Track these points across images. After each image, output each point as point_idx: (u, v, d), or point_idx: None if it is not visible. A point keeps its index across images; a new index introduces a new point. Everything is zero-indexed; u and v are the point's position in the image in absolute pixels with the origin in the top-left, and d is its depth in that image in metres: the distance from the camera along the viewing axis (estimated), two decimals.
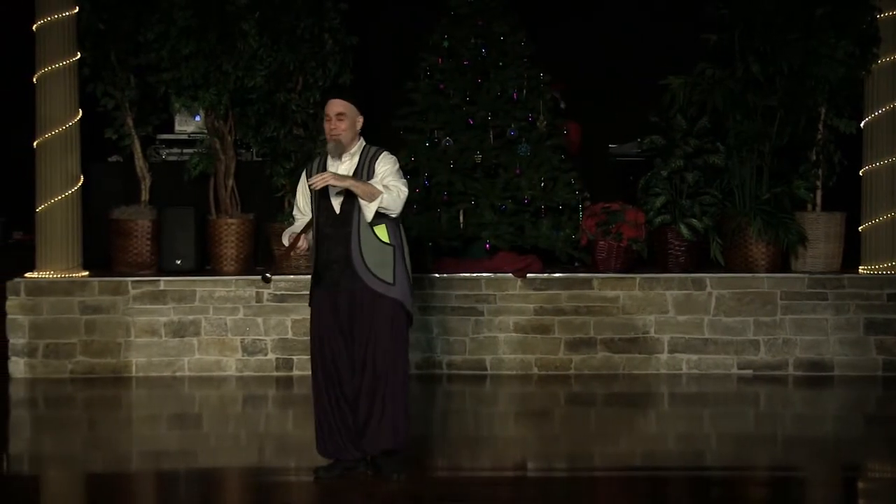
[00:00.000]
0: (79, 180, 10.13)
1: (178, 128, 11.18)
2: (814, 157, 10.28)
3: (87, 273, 10.11)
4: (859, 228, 10.32)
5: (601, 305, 9.93)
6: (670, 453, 7.78)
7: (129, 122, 10.48)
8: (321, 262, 6.66)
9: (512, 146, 10.40)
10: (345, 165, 6.67)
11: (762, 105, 10.15)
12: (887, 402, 9.30)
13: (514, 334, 9.94)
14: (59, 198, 9.99)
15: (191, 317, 9.88)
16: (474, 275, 9.98)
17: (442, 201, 10.27)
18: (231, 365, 9.91)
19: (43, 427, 8.66)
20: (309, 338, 6.84)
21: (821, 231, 10.16)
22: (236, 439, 8.19)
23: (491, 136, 10.48)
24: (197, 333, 9.89)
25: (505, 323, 9.95)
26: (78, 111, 10.09)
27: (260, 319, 9.91)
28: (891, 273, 10.07)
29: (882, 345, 9.90)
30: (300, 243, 6.66)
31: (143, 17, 10.22)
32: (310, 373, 6.83)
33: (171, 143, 11.18)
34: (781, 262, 10.21)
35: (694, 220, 10.04)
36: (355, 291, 6.60)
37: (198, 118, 10.94)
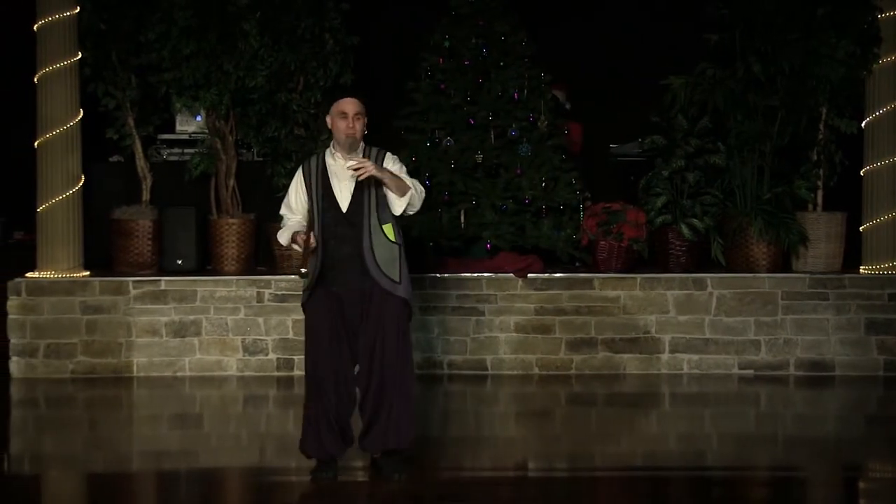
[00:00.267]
0: (80, 180, 10.12)
1: (179, 128, 11.17)
2: (815, 157, 10.28)
3: (88, 273, 10.10)
4: (860, 228, 10.32)
5: (602, 305, 9.93)
6: (671, 453, 7.78)
7: (130, 122, 10.48)
8: (327, 261, 6.64)
9: (513, 146, 10.39)
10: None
11: (763, 105, 10.14)
12: (888, 402, 9.30)
13: (514, 334, 9.94)
14: (60, 198, 9.99)
15: (192, 317, 9.88)
16: (475, 275, 9.97)
17: (443, 201, 10.26)
18: (232, 365, 9.91)
19: (44, 427, 8.65)
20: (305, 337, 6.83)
21: (822, 231, 10.16)
22: (237, 439, 8.19)
23: (492, 136, 10.47)
24: (198, 333, 9.89)
25: (506, 323, 9.95)
26: (79, 111, 10.09)
27: (261, 319, 9.91)
28: (892, 273, 10.07)
29: (883, 345, 9.90)
30: (311, 241, 6.62)
31: (144, 17, 10.23)
32: None
33: (172, 143, 11.17)
34: (782, 262, 10.21)
35: (695, 220, 10.04)
36: (364, 290, 6.60)
37: (199, 118, 10.94)
